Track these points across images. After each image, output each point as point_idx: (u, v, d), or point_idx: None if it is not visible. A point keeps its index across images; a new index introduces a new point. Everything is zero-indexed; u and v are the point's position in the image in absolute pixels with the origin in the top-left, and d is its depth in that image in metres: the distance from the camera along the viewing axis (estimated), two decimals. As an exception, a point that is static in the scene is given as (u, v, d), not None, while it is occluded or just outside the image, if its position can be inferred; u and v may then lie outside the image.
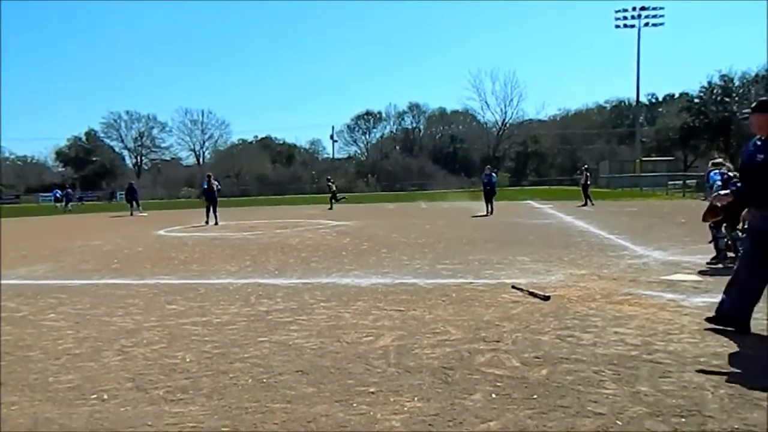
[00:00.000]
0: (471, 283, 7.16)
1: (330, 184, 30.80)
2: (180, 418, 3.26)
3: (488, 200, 20.76)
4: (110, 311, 6.20)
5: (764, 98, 4.57)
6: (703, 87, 60.81)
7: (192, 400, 3.53)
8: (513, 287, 6.64)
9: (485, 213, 20.01)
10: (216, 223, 19.14)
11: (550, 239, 11.91)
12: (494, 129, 74.55)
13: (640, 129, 56.43)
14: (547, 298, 5.97)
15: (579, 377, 3.66)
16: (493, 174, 22.01)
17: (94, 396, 3.67)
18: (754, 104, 4.57)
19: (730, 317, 4.60)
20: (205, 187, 20.12)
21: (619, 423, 2.99)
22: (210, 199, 19.74)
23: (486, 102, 77.18)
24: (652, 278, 7.00)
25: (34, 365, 4.36)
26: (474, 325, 5.08)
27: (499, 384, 3.61)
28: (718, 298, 5.80)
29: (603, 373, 3.72)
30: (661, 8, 52.78)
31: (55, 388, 3.84)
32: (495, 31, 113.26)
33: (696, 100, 60.92)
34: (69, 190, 44.04)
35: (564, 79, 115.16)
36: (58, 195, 45.83)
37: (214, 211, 19.64)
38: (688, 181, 37.45)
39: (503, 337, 4.67)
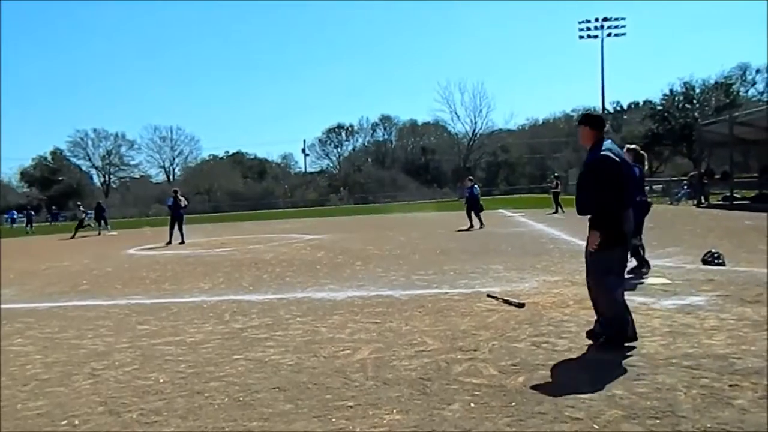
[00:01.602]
0: (446, 293, 7.19)
1: (82, 210, 30.26)
2: (155, 441, 3.19)
3: (471, 213, 18.71)
4: (80, 334, 6.05)
5: (588, 112, 4.82)
6: (665, 95, 62.56)
7: (167, 422, 3.45)
8: (488, 296, 6.68)
9: (468, 227, 18.18)
10: (182, 242, 18.32)
11: (523, 247, 12.05)
12: (465, 140, 75.19)
13: (606, 136, 57.58)
14: (521, 306, 6.03)
15: (555, 383, 3.70)
16: (475, 186, 19.66)
17: (65, 422, 3.56)
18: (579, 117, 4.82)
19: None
20: (170, 204, 19.23)
21: (596, 427, 3.03)
22: (175, 217, 18.85)
23: (456, 113, 77.65)
24: (623, 283, 7.12)
25: (1, 392, 4.22)
26: (451, 335, 5.10)
27: (477, 393, 3.62)
28: (687, 300, 5.97)
29: (579, 378, 3.76)
30: (623, 19, 54.16)
31: (23, 416, 3.72)
32: (463, 42, 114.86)
33: (659, 108, 62.61)
34: (31, 212, 42.82)
35: (531, 90, 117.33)
36: (14, 216, 44.66)
37: (180, 230, 18.68)
38: (654, 187, 38.32)
39: (480, 345, 4.70)
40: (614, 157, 4.40)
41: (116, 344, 5.49)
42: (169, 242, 18.38)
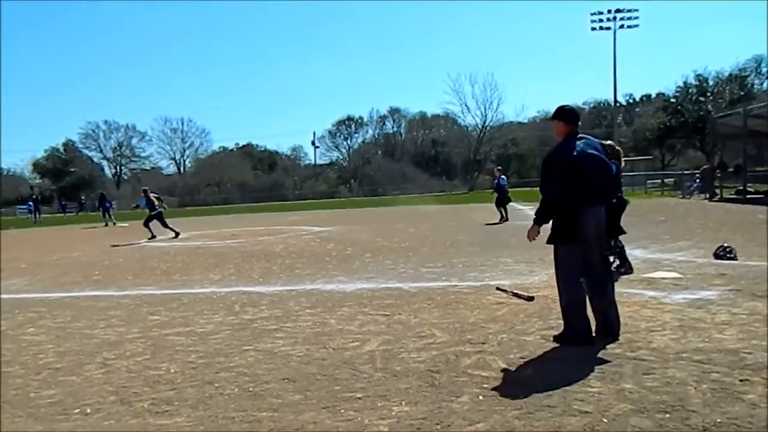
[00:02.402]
0: (455, 285, 7.18)
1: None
2: (165, 429, 3.23)
3: (499, 205, 17.99)
4: (92, 324, 6.11)
5: (561, 105, 4.71)
6: (678, 87, 61.82)
7: (177, 412, 3.49)
8: (497, 289, 6.67)
9: (500, 219, 17.41)
10: (176, 235, 17.97)
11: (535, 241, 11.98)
12: (475, 132, 74.83)
13: (618, 129, 57.24)
14: (531, 299, 6.01)
15: (564, 376, 3.69)
16: (503, 177, 18.92)
17: (77, 410, 3.61)
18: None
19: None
20: (143, 204, 18.65)
21: (605, 421, 3.02)
22: (153, 215, 18.21)
23: (466, 105, 77.19)
24: (633, 276, 7.09)
25: (14, 381, 4.28)
26: (459, 327, 5.10)
27: (485, 386, 3.62)
28: (698, 294, 5.92)
29: (588, 372, 3.75)
30: (636, 10, 53.55)
31: (36, 404, 3.77)
32: (473, 34, 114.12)
33: (672, 100, 61.94)
34: (30, 203, 41.76)
35: (543, 82, 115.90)
36: (31, 207, 44.26)
37: (166, 226, 18.24)
38: (666, 180, 38.01)
39: (489, 338, 4.70)
40: (567, 151, 4.38)
41: (127, 334, 5.55)
42: (153, 236, 17.88)
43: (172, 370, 4.32)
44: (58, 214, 50.74)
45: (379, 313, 5.85)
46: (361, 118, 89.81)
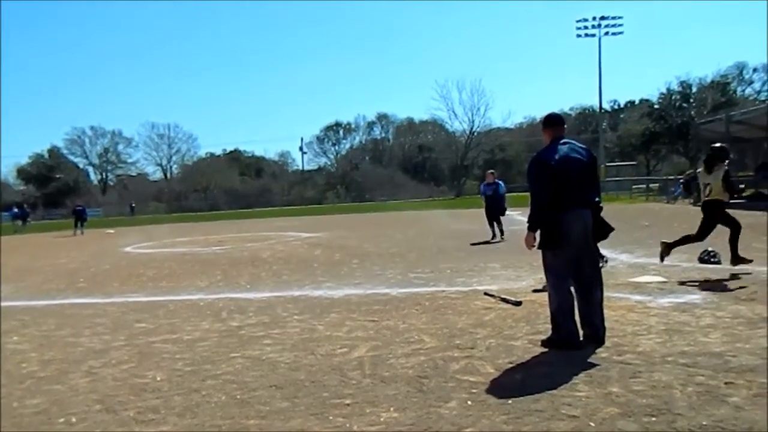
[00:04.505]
0: (444, 291, 7.19)
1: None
2: (152, 439, 3.19)
3: (493, 219, 13.73)
4: (77, 332, 6.04)
5: (547, 114, 4.81)
6: (662, 93, 62.62)
7: (164, 420, 3.45)
8: (485, 294, 6.69)
9: (491, 237, 13.49)
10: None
11: (520, 246, 12.02)
12: (462, 138, 75.20)
13: (603, 135, 57.75)
14: (518, 304, 6.04)
15: (552, 381, 3.71)
16: (500, 183, 14.25)
17: (62, 420, 3.56)
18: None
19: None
20: (15, 213, 18.47)
21: (592, 425, 3.04)
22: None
23: (453, 111, 77.50)
24: (620, 281, 7.15)
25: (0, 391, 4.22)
26: (448, 332, 5.10)
27: (474, 390, 3.63)
28: (683, 298, 5.99)
29: (575, 376, 3.77)
30: (620, 17, 53.97)
31: (20, 413, 3.72)
32: (461, 40, 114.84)
33: (656, 106, 62.69)
34: (16, 210, 41.56)
35: (529, 88, 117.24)
36: (15, 213, 43.69)
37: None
38: (651, 185, 38.40)
39: (477, 343, 4.71)
40: (549, 156, 4.45)
41: (113, 342, 5.49)
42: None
43: (159, 378, 4.28)
44: (45, 221, 50.13)
45: (368, 319, 5.84)
46: (349, 123, 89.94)
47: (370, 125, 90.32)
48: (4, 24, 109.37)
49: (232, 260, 12.27)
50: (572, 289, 4.49)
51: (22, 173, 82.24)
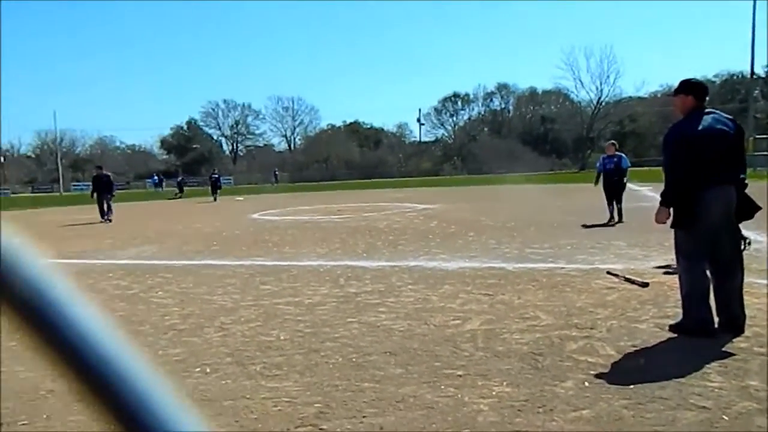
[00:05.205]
0: (562, 268, 6.94)
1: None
2: (275, 393, 3.42)
3: (613, 197, 12.05)
4: (211, 290, 6.57)
5: (685, 79, 4.29)
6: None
7: (286, 376, 3.68)
8: (608, 273, 6.37)
9: (608, 220, 11.92)
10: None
11: (649, 223, 11.26)
12: (588, 108, 71.29)
13: (753, 104, 52.03)
14: (645, 285, 5.68)
15: (680, 368, 3.46)
16: (623, 156, 12.40)
17: (198, 369, 3.91)
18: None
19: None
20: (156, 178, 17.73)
21: (726, 418, 2.81)
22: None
23: (580, 80, 73.35)
24: (765, 265, 6.47)
25: (145, 339, 4.71)
26: (565, 311, 4.93)
27: (591, 372, 3.49)
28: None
29: (708, 365, 3.50)
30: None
31: (163, 361, 4.14)
32: (591, 4, 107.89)
33: (819, 70, 55.17)
34: (157, 177, 49.14)
35: (667, 54, 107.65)
36: (156, 180, 50.48)
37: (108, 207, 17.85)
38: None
39: (597, 324, 4.51)
40: (690, 128, 4.05)
41: (242, 301, 5.91)
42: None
43: (282, 337, 4.56)
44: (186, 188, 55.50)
45: (482, 293, 5.79)
46: (467, 94, 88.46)
47: (489, 96, 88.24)
48: (145, 14, 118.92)
49: (350, 229, 12.67)
50: (708, 272, 4.14)
51: (165, 144, 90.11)
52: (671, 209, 4.22)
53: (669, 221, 4.26)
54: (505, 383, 3.38)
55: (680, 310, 4.27)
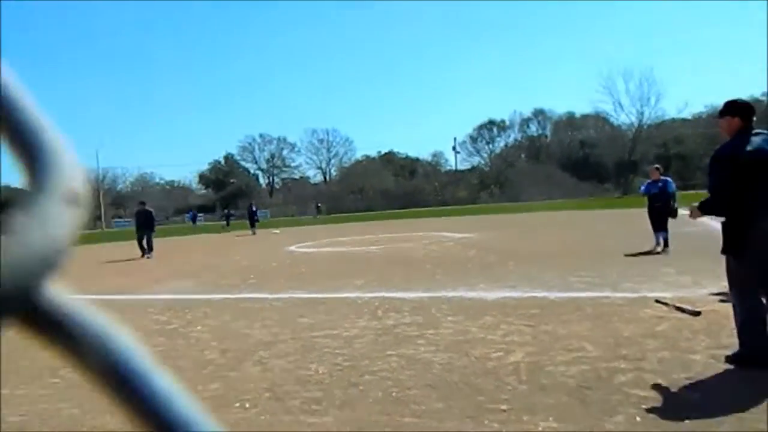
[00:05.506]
0: (608, 296, 6.72)
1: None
2: (314, 428, 3.35)
3: (659, 225, 11.30)
4: (249, 324, 6.58)
5: (730, 100, 4.12)
6: None
7: (325, 412, 3.61)
8: (657, 301, 6.13)
9: (653, 247, 11.19)
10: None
11: (698, 250, 10.86)
12: (629, 131, 70.19)
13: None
14: (697, 314, 5.43)
15: (739, 402, 3.26)
16: (669, 180, 11.76)
17: (237, 404, 3.88)
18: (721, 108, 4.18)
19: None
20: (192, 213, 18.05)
21: (794, 457, 2.61)
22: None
23: (619, 103, 72.52)
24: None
25: (184, 374, 4.72)
26: (613, 342, 4.74)
27: (643, 406, 3.32)
28: None
29: (769, 399, 3.28)
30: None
31: (202, 396, 4.12)
32: (628, 27, 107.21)
33: None
34: (192, 213, 54.42)
35: (709, 73, 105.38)
36: (193, 215, 56.28)
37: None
38: None
39: (647, 355, 4.31)
40: (738, 149, 3.89)
41: (280, 335, 5.89)
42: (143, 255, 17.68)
43: (321, 371, 4.50)
44: (222, 222, 56.63)
45: (524, 323, 5.63)
46: (503, 121, 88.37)
47: (526, 121, 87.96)
48: (187, 53, 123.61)
49: (386, 260, 12.62)
50: (764, 300, 3.93)
51: (203, 179, 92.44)
52: (703, 214, 4.20)
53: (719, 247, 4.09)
54: (551, 418, 3.24)
55: (736, 340, 4.05)
